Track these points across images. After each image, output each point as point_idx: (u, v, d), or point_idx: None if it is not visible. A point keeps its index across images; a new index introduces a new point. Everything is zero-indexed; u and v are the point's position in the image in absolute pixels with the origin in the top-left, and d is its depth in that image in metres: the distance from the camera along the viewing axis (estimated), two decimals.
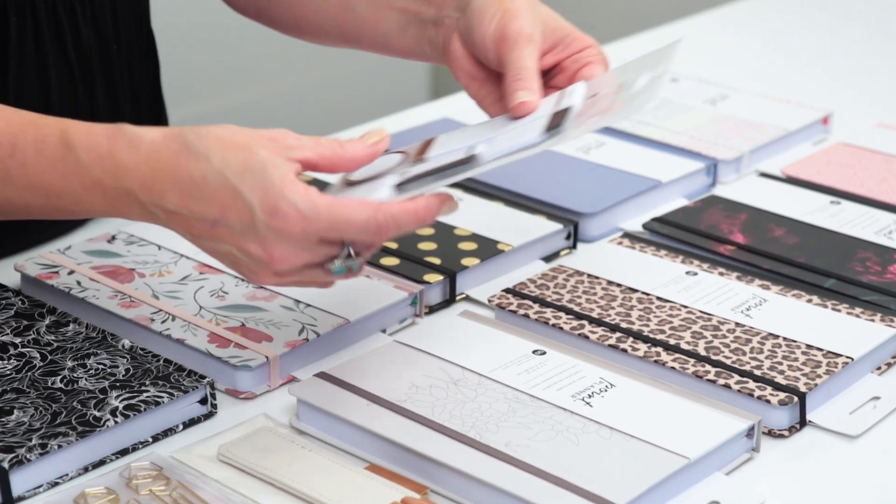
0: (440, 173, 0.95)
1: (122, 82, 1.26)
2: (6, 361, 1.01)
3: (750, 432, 0.97)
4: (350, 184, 0.96)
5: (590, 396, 0.98)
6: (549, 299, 1.12)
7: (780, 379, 1.01)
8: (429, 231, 1.21)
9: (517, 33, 1.05)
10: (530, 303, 1.11)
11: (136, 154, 0.92)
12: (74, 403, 0.96)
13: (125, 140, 0.92)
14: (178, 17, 2.53)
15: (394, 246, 1.18)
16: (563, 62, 1.08)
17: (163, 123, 1.35)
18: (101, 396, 0.97)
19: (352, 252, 0.92)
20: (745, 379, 1.01)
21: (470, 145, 0.98)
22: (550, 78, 1.09)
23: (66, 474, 0.93)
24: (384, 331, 1.11)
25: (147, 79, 1.30)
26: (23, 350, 1.03)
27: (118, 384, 0.98)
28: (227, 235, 0.90)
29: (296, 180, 0.89)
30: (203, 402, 1.00)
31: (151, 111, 1.32)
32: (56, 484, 0.93)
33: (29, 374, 1.00)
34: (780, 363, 1.03)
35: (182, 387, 0.98)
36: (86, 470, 0.94)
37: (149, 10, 1.30)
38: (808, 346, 1.05)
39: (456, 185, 1.28)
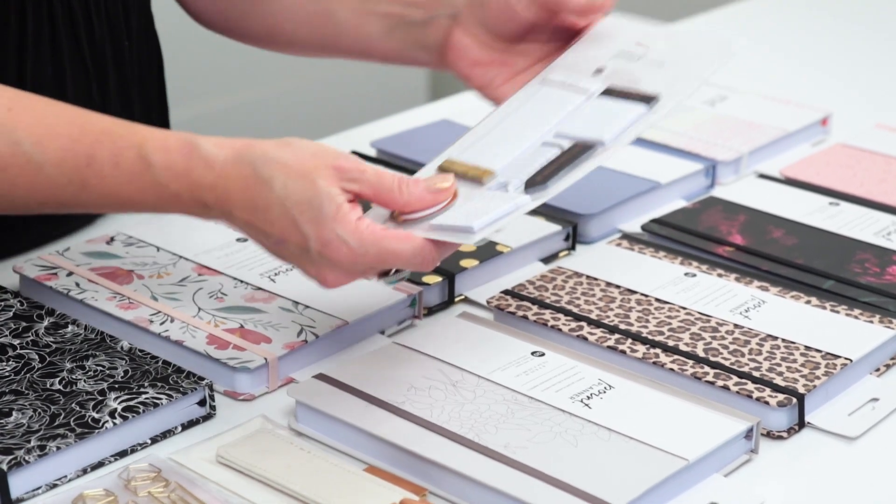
0: (569, 165, 1.01)
1: (133, 79, 1.26)
2: (5, 363, 1.01)
3: (749, 434, 0.97)
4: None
5: (588, 398, 0.98)
6: (547, 301, 1.12)
7: (778, 380, 1.01)
8: None
9: None
10: (529, 304, 1.11)
11: (211, 173, 0.96)
12: (73, 405, 0.96)
13: (200, 160, 0.97)
14: (179, 17, 2.53)
15: None
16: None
17: (166, 122, 1.35)
18: (100, 398, 0.97)
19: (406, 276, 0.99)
20: (743, 380, 1.01)
21: (573, 134, 1.04)
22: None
23: (65, 476, 0.93)
24: (383, 332, 1.11)
25: (155, 81, 1.31)
26: (21, 352, 1.03)
27: (117, 386, 0.98)
28: (288, 255, 0.97)
29: (348, 214, 0.94)
30: (202, 403, 1.00)
31: (160, 112, 1.32)
32: (55, 486, 0.93)
33: (28, 375, 1.00)
34: (779, 364, 1.03)
35: (181, 388, 0.98)
36: (84, 472, 0.94)
37: (151, 10, 1.30)
38: (807, 348, 1.05)
39: None
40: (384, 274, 0.98)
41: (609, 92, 1.07)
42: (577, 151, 1.01)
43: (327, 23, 1.22)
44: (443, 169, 1.02)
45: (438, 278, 1.15)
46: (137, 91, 1.27)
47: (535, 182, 0.99)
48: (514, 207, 0.97)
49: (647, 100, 1.05)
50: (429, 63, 1.18)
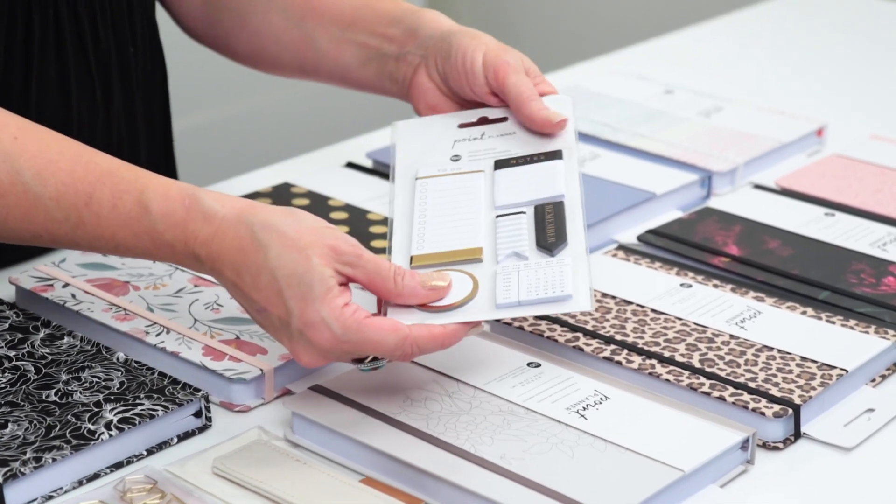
0: (564, 220, 1.03)
1: (137, 85, 1.27)
2: (0, 374, 1.01)
3: (744, 444, 0.97)
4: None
5: (584, 409, 0.98)
6: None
7: (774, 391, 1.01)
8: None
9: (516, 60, 1.12)
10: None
11: (208, 228, 0.97)
12: (69, 417, 0.96)
13: (199, 213, 0.97)
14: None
15: None
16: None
17: (168, 131, 1.36)
18: (96, 409, 0.97)
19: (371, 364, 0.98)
20: (739, 391, 1.01)
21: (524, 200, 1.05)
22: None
23: (61, 488, 0.93)
24: None
25: (160, 89, 1.31)
26: (17, 363, 1.03)
27: (113, 397, 0.98)
28: (268, 325, 0.96)
29: (336, 297, 0.93)
30: (198, 415, 1.00)
31: (162, 120, 1.33)
32: (50, 497, 0.93)
33: (23, 387, 1.00)
34: (775, 375, 1.03)
35: (177, 400, 0.98)
36: (80, 483, 0.94)
37: (156, 19, 1.30)
38: (803, 359, 1.05)
39: None
40: (359, 360, 0.97)
41: (505, 163, 1.08)
42: (553, 209, 1.03)
43: (308, 48, 1.24)
44: (418, 263, 1.00)
45: None
46: (141, 97, 1.28)
47: (552, 244, 1.00)
48: (573, 261, 0.98)
49: (555, 155, 1.07)
50: (397, 95, 1.20)
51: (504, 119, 1.12)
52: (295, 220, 0.95)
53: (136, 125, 1.28)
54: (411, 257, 1.01)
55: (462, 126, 1.13)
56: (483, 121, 1.13)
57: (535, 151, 1.08)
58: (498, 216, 1.04)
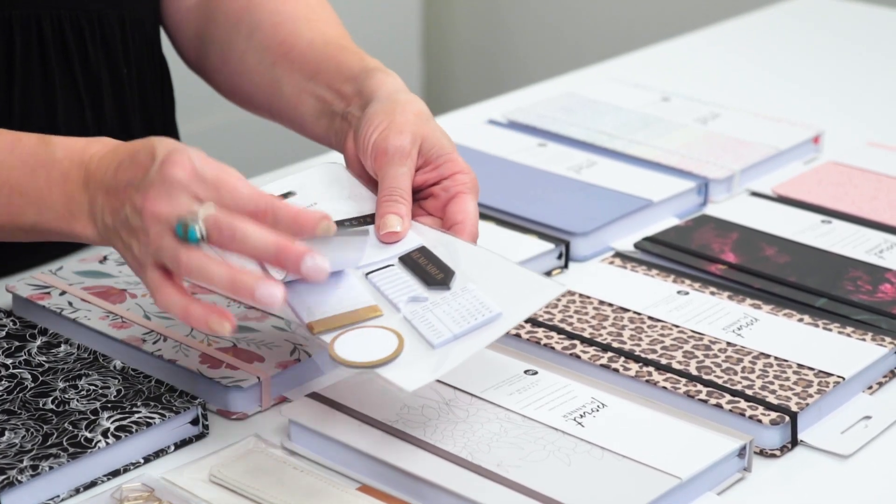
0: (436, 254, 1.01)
1: (134, 107, 1.26)
2: None
3: (741, 452, 0.97)
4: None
5: (581, 416, 0.98)
6: (540, 319, 1.12)
7: (771, 398, 1.01)
8: None
9: (396, 149, 1.04)
10: (522, 322, 1.11)
11: (106, 146, 0.97)
12: (66, 425, 0.96)
13: (103, 140, 0.98)
14: None
15: None
16: (433, 189, 1.06)
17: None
18: (93, 417, 0.97)
19: (200, 217, 0.91)
20: (736, 398, 1.01)
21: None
22: (423, 199, 1.07)
23: (58, 496, 0.93)
24: None
25: (161, 108, 1.30)
26: (14, 371, 1.03)
27: (110, 405, 0.98)
28: (129, 194, 0.93)
29: (207, 157, 0.93)
30: (195, 422, 1.00)
31: (165, 134, 1.32)
32: None
33: (20, 395, 1.00)
34: (772, 382, 1.03)
35: (173, 407, 0.98)
36: (77, 491, 0.94)
37: (159, 37, 1.30)
38: (800, 366, 1.05)
39: None
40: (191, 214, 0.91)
41: (340, 224, 1.03)
42: (420, 253, 1.01)
43: (275, 92, 1.21)
44: (320, 329, 0.97)
45: None
46: (139, 118, 1.27)
47: (444, 279, 0.98)
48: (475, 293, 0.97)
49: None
50: (342, 153, 1.14)
51: None
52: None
53: None
54: (308, 325, 0.97)
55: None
56: None
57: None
58: (367, 273, 1.00)
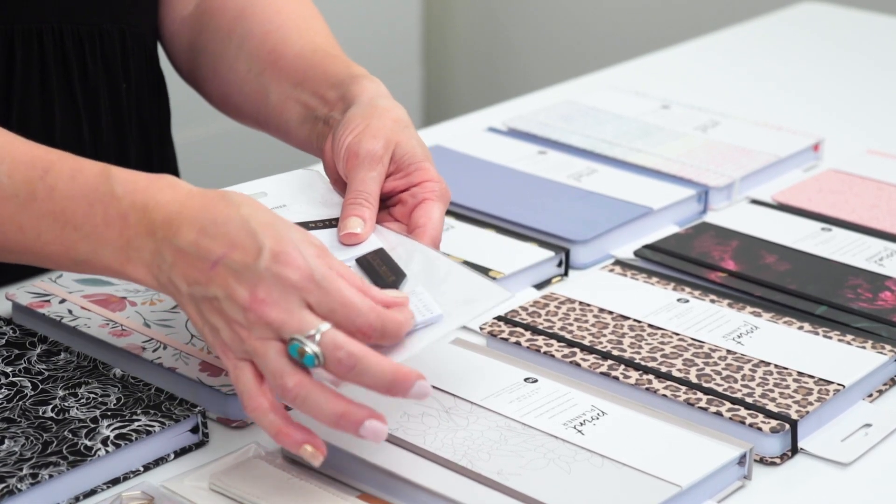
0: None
1: (130, 121, 1.26)
2: None
3: (741, 460, 0.97)
4: None
5: (581, 424, 0.98)
6: (540, 327, 1.12)
7: (771, 406, 1.01)
8: None
9: (368, 153, 1.04)
10: (522, 330, 1.11)
11: (173, 193, 0.92)
12: (66, 433, 0.96)
13: (167, 182, 0.93)
14: None
15: None
16: (402, 195, 1.06)
17: (172, 167, 1.35)
18: (93, 426, 0.97)
19: (318, 341, 0.88)
20: (736, 406, 1.01)
21: None
22: (392, 205, 1.07)
23: None
24: None
25: (157, 121, 1.31)
26: (14, 379, 1.03)
27: (109, 413, 0.98)
28: (222, 276, 0.89)
29: (313, 243, 0.90)
30: (195, 430, 1.00)
31: (161, 155, 1.32)
32: None
33: (20, 403, 1.00)
34: (772, 390, 1.03)
35: (173, 415, 0.98)
36: (77, 500, 0.94)
37: (157, 51, 1.30)
38: (800, 374, 1.05)
39: (448, 213, 1.27)
40: (304, 334, 0.88)
41: (305, 226, 1.04)
42: (377, 255, 1.01)
43: (263, 101, 1.21)
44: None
45: None
46: (136, 131, 1.27)
47: (394, 281, 0.98)
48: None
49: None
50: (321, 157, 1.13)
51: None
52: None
53: (129, 160, 1.27)
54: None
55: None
56: None
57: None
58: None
